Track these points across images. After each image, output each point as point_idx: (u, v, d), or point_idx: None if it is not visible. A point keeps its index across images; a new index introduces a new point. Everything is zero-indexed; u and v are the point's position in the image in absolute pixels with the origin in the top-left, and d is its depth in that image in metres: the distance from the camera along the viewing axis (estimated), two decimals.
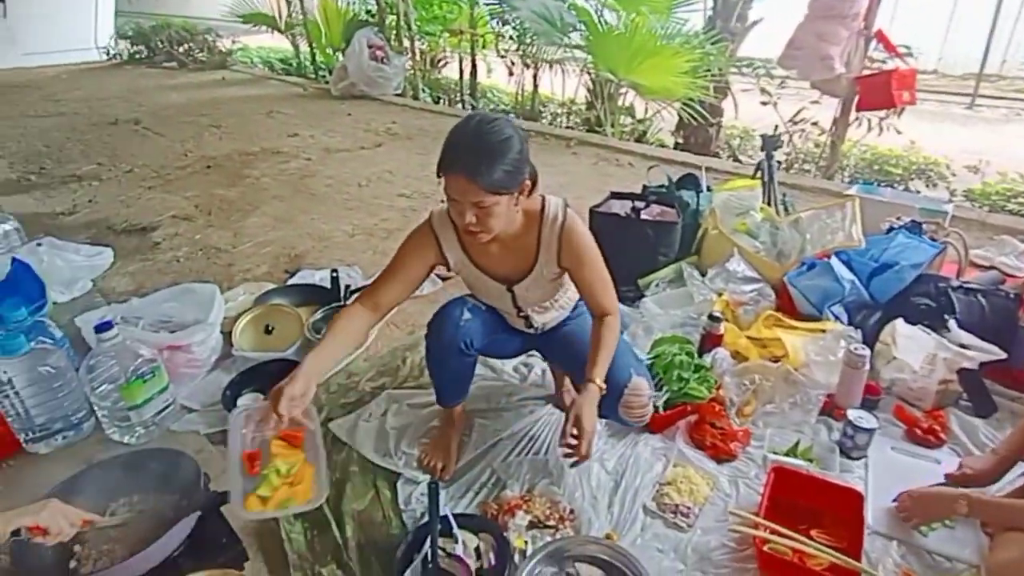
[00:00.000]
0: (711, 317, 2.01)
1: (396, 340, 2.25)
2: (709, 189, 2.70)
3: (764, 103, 4.36)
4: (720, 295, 2.24)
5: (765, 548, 1.33)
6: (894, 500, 1.49)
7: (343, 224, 3.25)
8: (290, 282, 2.59)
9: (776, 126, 4.21)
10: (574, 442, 1.42)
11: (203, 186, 3.81)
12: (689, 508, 1.52)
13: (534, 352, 2.06)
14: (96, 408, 1.78)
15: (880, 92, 3.61)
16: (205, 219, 3.33)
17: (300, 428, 1.31)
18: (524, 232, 1.47)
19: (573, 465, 1.48)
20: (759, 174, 2.76)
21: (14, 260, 2.22)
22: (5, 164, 4.35)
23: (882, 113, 3.94)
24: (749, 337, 2.05)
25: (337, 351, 1.43)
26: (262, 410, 1.27)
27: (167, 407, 1.84)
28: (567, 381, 1.89)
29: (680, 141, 5.25)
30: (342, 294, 2.34)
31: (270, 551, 1.44)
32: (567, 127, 5.86)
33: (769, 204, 2.69)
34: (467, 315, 1.59)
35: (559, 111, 6.27)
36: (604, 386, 1.46)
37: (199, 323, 2.05)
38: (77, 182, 3.94)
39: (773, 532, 1.36)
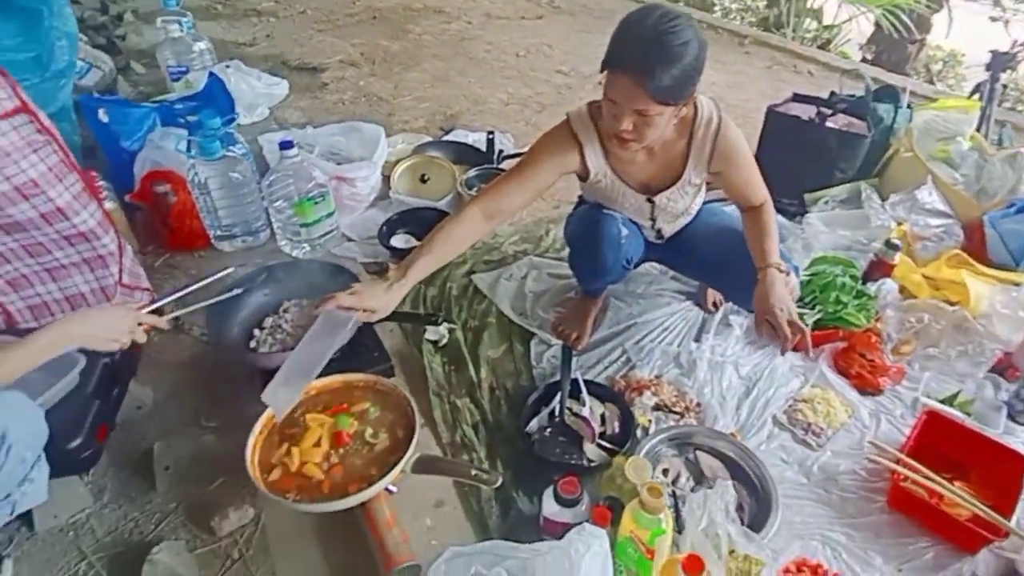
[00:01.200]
0: (888, 244, 1.77)
1: (541, 212, 2.21)
2: (909, 107, 2.29)
3: (993, 19, 3.56)
4: (899, 224, 1.96)
5: (901, 483, 1.24)
6: None
7: (498, 91, 3.14)
8: (445, 139, 2.57)
9: (1015, 41, 3.43)
10: (790, 336, 1.26)
11: (368, 35, 3.80)
12: (822, 429, 1.43)
13: None
14: (272, 220, 1.92)
15: None
16: (369, 67, 3.34)
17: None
18: (675, 138, 1.31)
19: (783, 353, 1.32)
20: (977, 96, 2.30)
21: (211, 74, 2.34)
22: None
23: None
24: (924, 275, 1.80)
25: (443, 257, 1.29)
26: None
27: (331, 232, 1.95)
28: None
29: (869, 57, 4.49)
30: (495, 157, 2.30)
31: (412, 373, 1.54)
32: (740, 24, 5.18)
33: (980, 131, 2.24)
34: (624, 231, 1.45)
35: (733, 6, 5.53)
36: (784, 266, 1.32)
37: (364, 160, 2.10)
38: (256, 16, 4.05)
39: (914, 471, 1.25)
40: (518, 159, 1.40)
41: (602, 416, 1.40)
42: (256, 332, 1.47)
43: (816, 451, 1.39)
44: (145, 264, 1.81)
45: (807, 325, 1.61)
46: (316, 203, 1.83)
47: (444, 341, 1.62)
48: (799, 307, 1.67)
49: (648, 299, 1.79)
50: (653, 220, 1.48)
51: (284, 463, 1.12)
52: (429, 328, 1.62)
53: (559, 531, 1.15)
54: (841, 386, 1.53)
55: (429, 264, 1.25)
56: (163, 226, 1.87)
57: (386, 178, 2.21)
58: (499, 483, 1.09)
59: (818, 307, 1.67)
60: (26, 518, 1.15)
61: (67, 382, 1.21)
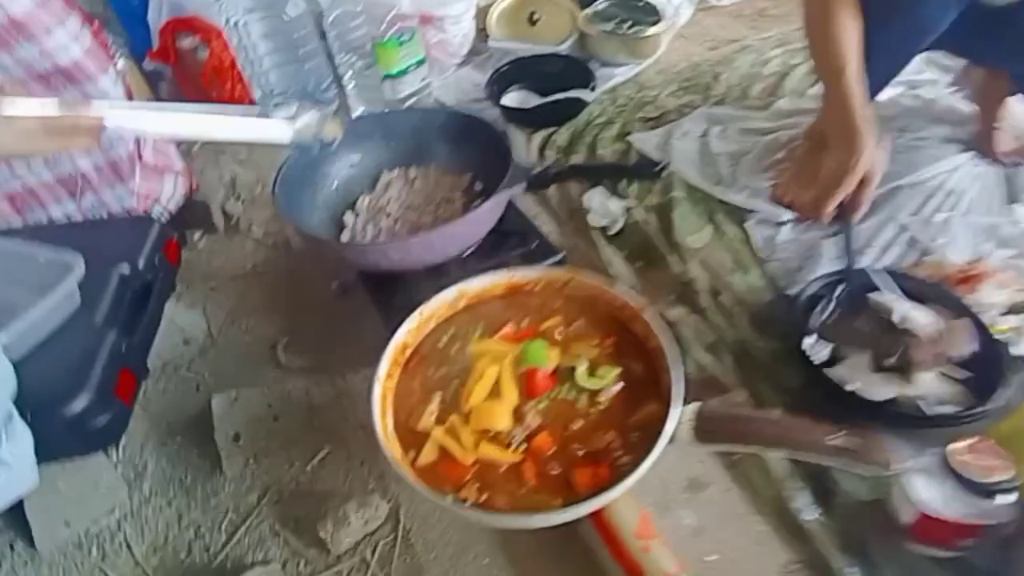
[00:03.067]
0: None
1: (695, 55, 1.53)
2: None
3: None
4: None
5: None
6: None
7: None
8: None
9: None
10: None
11: None
12: None
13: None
14: (343, 77, 1.33)
15: None
16: None
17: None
18: None
19: None
20: None
21: None
22: None
23: None
24: None
25: None
26: None
27: (423, 89, 1.34)
28: (1006, 110, 1.10)
29: None
30: None
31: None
32: None
33: None
34: None
35: None
36: None
37: None
38: None
39: None
40: None
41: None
42: (347, 218, 0.91)
43: None
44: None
45: None
46: (402, 44, 1.22)
47: (619, 226, 1.03)
48: None
49: (909, 151, 1.13)
50: None
51: (446, 431, 0.58)
52: (593, 209, 1.04)
53: (950, 540, 0.59)
54: None
55: None
56: (196, 92, 1.30)
57: (480, 31, 1.57)
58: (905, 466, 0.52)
59: None
60: (24, 527, 0.66)
61: (56, 302, 0.69)
